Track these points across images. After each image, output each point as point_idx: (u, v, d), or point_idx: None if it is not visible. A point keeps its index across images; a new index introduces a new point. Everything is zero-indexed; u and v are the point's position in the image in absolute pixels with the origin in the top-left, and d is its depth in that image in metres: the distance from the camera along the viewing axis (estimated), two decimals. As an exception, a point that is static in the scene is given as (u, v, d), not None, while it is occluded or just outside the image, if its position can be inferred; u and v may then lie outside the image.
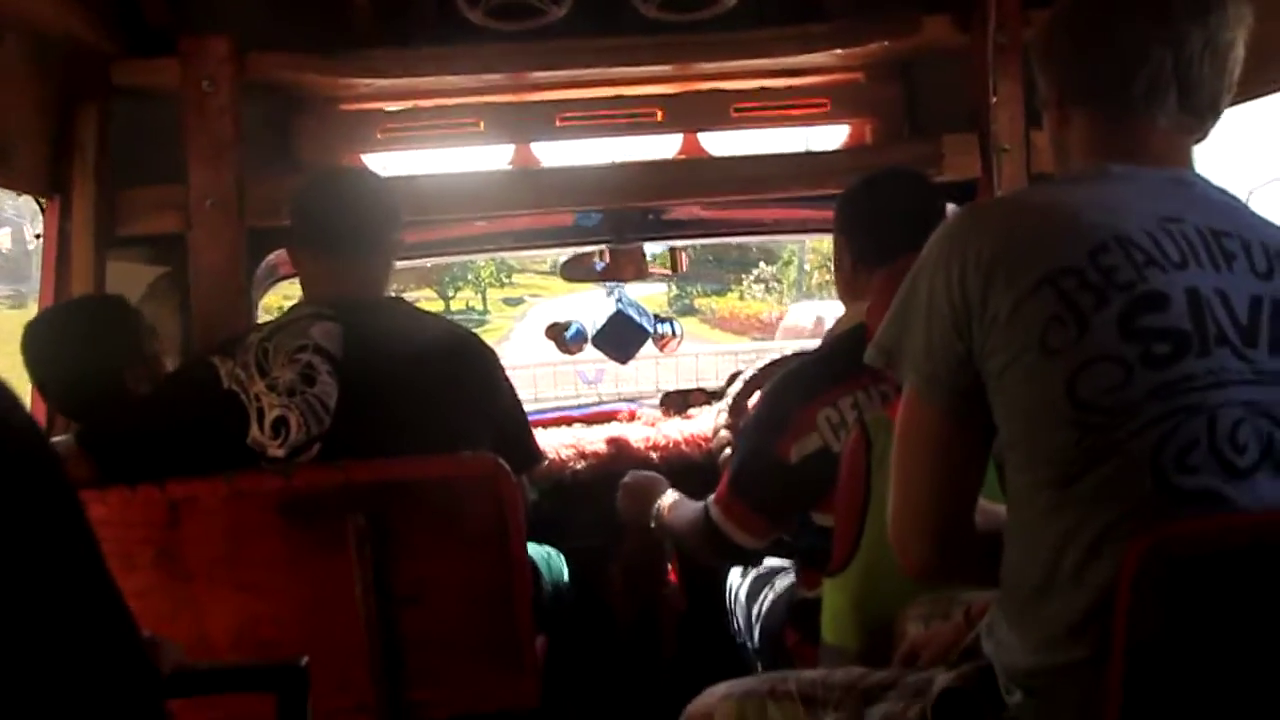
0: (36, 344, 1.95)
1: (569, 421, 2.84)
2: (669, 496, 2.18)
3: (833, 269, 2.08)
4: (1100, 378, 1.06)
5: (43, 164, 2.12)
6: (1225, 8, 1.18)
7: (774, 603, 2.12)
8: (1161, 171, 1.20)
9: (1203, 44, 1.18)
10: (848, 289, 1.99)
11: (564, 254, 2.89)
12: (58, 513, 0.59)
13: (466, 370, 1.81)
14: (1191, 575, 1.01)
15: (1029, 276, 1.10)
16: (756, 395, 2.46)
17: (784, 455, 1.85)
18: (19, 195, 2.18)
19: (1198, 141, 1.25)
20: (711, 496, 1.98)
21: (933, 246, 1.19)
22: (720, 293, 27.67)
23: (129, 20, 2.27)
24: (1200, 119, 1.22)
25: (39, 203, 2.21)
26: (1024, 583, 1.12)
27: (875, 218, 1.97)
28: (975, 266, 1.13)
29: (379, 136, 2.57)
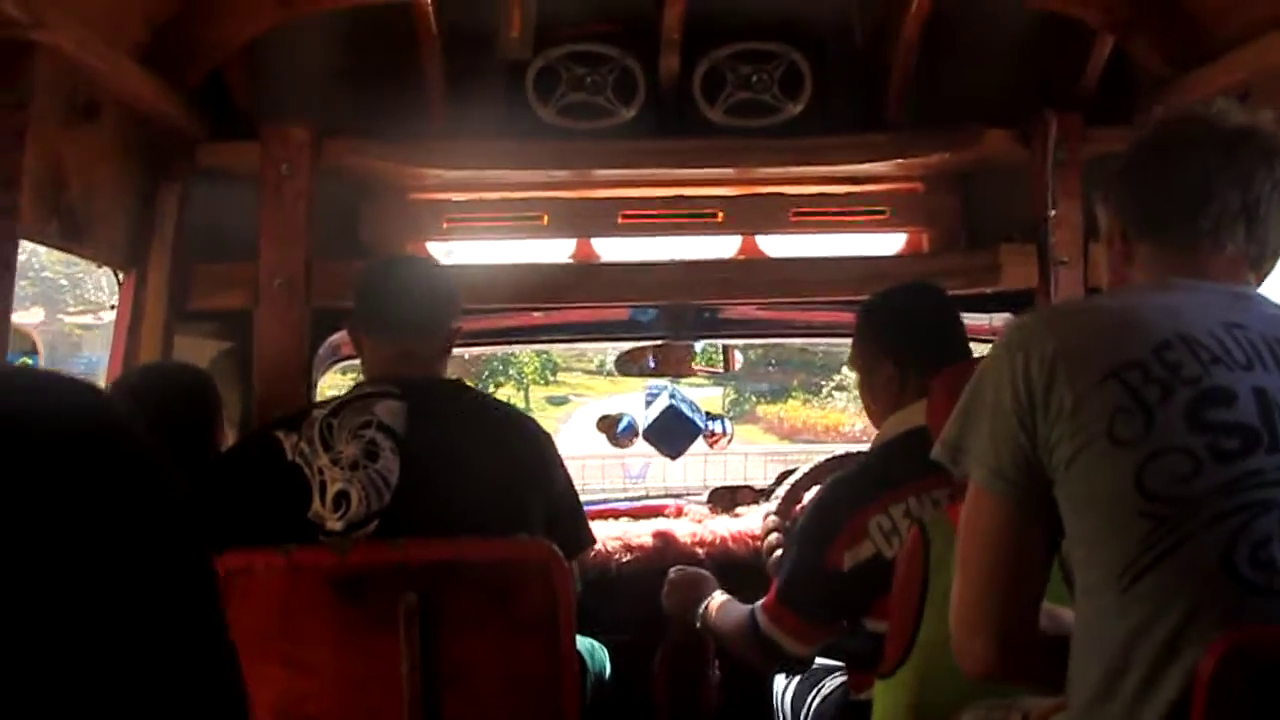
0: (134, 398, 2.00)
1: (615, 515, 2.83)
2: (716, 597, 2.16)
3: (861, 383, 2.07)
4: (1169, 469, 1.07)
5: (123, 238, 2.19)
6: None
7: (822, 705, 2.08)
8: (1223, 286, 1.22)
9: (1270, 186, 1.21)
10: (889, 400, 1.99)
11: (612, 352, 2.92)
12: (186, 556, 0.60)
13: (524, 452, 1.83)
14: (1272, 682, 0.99)
15: (1094, 371, 1.12)
16: (808, 494, 2.45)
17: (835, 564, 1.84)
18: (99, 267, 2.25)
19: (1260, 279, 1.27)
20: (760, 603, 1.96)
21: (998, 346, 1.21)
22: (779, 397, 27.02)
23: (216, 104, 2.37)
24: (1264, 251, 1.24)
25: (116, 276, 2.27)
26: (1092, 684, 1.10)
27: (920, 327, 2.00)
28: (1039, 363, 1.15)
29: (444, 225, 2.64)
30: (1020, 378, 1.15)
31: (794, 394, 25.36)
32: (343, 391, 1.89)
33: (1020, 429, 1.15)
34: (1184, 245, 1.23)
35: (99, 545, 0.54)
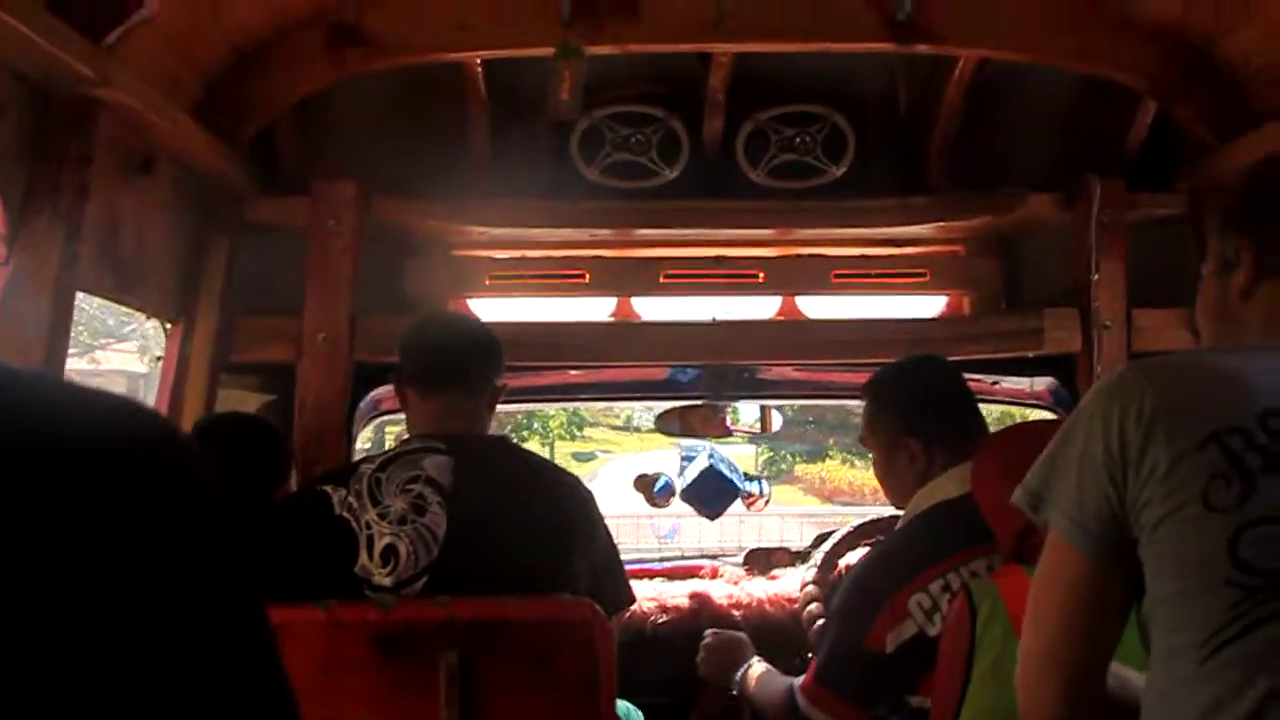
0: (202, 447, 2.02)
1: (650, 575, 2.81)
2: (755, 665, 2.13)
3: (878, 461, 2.05)
4: (1266, 540, 1.04)
5: (172, 289, 2.22)
6: None
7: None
8: None
9: None
10: (914, 477, 1.97)
11: (641, 409, 2.92)
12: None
13: (569, 508, 1.83)
14: None
15: (1194, 433, 1.09)
16: (846, 558, 2.43)
17: (877, 645, 1.82)
18: (148, 318, 2.28)
19: None
20: (799, 682, 1.93)
21: (1093, 396, 1.18)
22: (817, 457, 26.41)
23: (266, 160, 2.41)
24: None
25: (164, 326, 2.30)
26: None
27: (941, 401, 2.00)
28: (1137, 418, 1.12)
29: (487, 282, 2.66)
30: (1115, 432, 1.13)
31: (831, 453, 24.82)
32: (377, 447, 1.90)
33: (1110, 484, 1.13)
34: None
35: (148, 559, 0.55)
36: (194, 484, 0.60)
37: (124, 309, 2.13)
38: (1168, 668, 1.10)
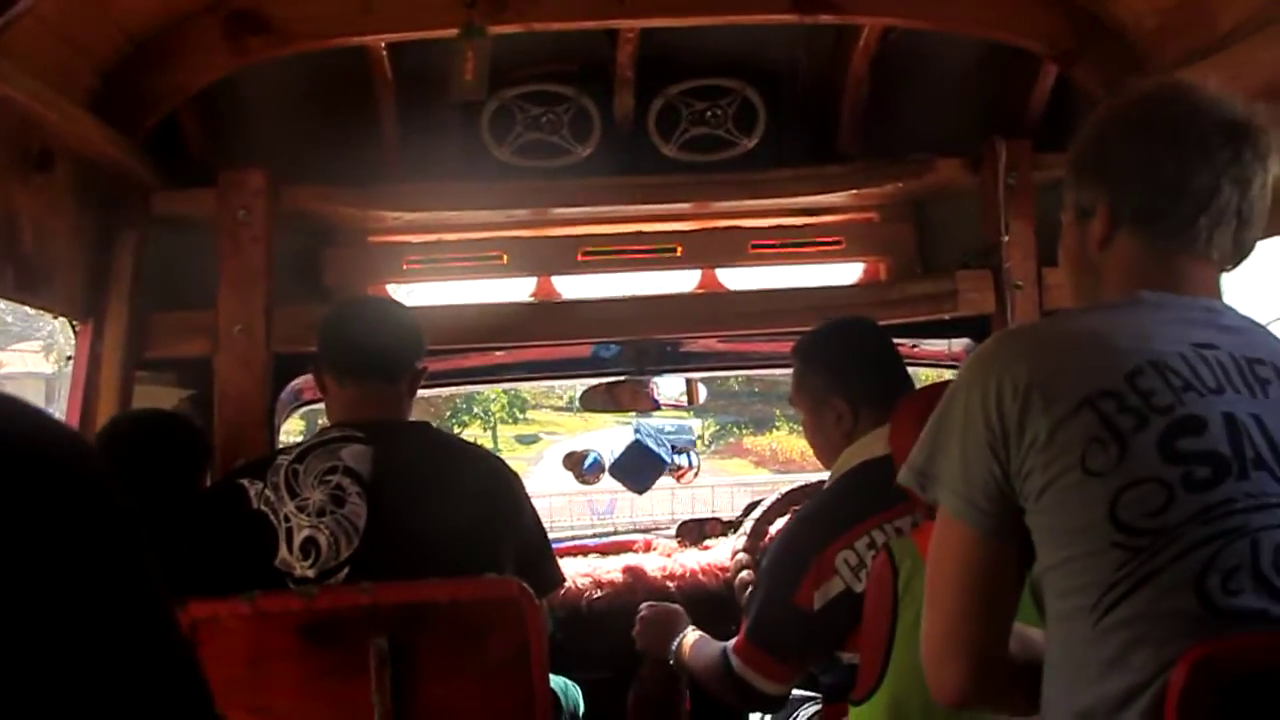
0: (116, 444, 1.99)
1: (584, 551, 2.82)
2: (689, 634, 2.16)
3: (807, 423, 2.08)
4: (1143, 500, 1.06)
5: (80, 288, 2.17)
6: (1276, 149, 1.21)
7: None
8: (1195, 300, 1.21)
9: (1261, 185, 1.20)
10: (841, 436, 2.00)
11: (579, 388, 2.93)
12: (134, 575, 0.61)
13: (493, 491, 1.83)
14: (1241, 694, 1.00)
15: (1067, 399, 1.11)
16: (775, 525, 2.46)
17: (804, 603, 1.85)
18: (55, 317, 2.23)
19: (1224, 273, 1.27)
20: (731, 643, 1.96)
21: (967, 371, 1.20)
22: (764, 428, 25.42)
23: (171, 151, 2.37)
24: (1242, 254, 1.24)
25: (72, 325, 2.25)
26: (1067, 711, 1.11)
27: (867, 361, 2.03)
28: (1012, 390, 1.13)
29: (405, 268, 2.64)
30: (993, 405, 1.14)
31: (779, 423, 24.55)
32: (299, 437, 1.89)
33: (993, 457, 1.14)
34: (1174, 242, 1.21)
35: (43, 559, 0.56)
36: (85, 481, 0.61)
37: (27, 309, 2.08)
38: (1063, 631, 1.12)
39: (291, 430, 2.41)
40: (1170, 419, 1.09)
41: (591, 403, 2.79)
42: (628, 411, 2.80)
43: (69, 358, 2.28)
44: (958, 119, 2.62)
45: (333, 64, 2.39)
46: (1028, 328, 1.31)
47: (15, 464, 0.58)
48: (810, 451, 2.11)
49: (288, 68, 2.39)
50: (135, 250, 2.28)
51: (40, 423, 0.62)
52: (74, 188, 2.09)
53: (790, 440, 22.79)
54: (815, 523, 1.91)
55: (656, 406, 2.81)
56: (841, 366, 2.01)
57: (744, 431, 25.82)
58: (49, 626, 0.55)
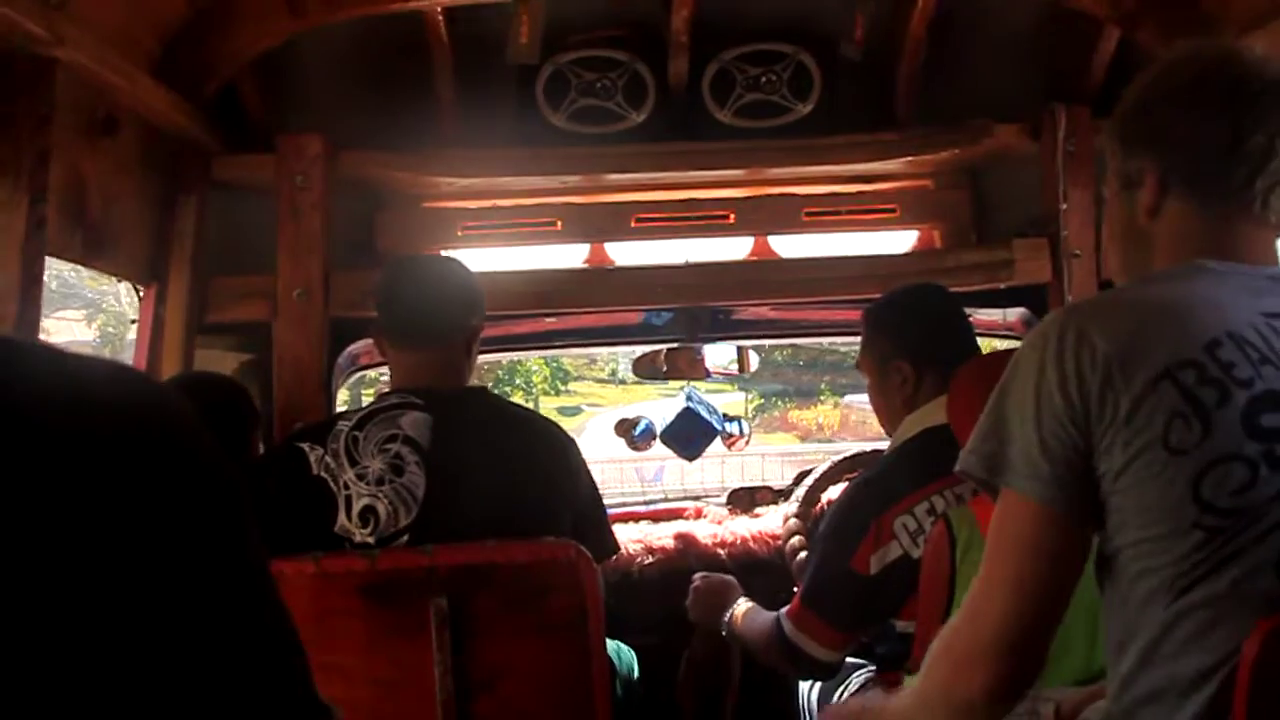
0: None
1: (635, 518, 2.84)
2: (741, 605, 2.16)
3: (872, 386, 2.07)
4: (1227, 479, 1.04)
5: (143, 252, 2.21)
6: None
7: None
8: (1256, 268, 1.18)
9: None
10: (904, 401, 1.99)
11: (625, 359, 2.93)
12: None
13: (549, 460, 1.83)
14: None
15: (1147, 371, 1.08)
16: (828, 493, 2.46)
17: (861, 568, 1.85)
18: (119, 281, 2.27)
19: None
20: (785, 610, 1.96)
21: (1034, 348, 1.15)
22: (809, 400, 24.44)
23: (231, 118, 2.39)
24: None
25: (136, 289, 2.29)
26: (1141, 687, 1.09)
27: (934, 325, 2.02)
28: (1090, 363, 1.10)
29: (459, 234, 2.65)
30: (1073, 379, 1.10)
31: (823, 396, 24.03)
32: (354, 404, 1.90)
33: (1076, 434, 1.10)
34: (1229, 207, 1.18)
35: (149, 519, 0.57)
36: (189, 442, 0.62)
37: (67, 276, 2.11)
38: (1135, 610, 1.10)
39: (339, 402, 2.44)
40: (1251, 393, 1.06)
41: (644, 369, 2.80)
42: (683, 378, 2.80)
43: (133, 321, 2.32)
44: (1016, 84, 2.58)
45: (389, 28, 2.40)
46: (1095, 299, 1.27)
47: (140, 440, 0.58)
48: (856, 426, 2.11)
49: (344, 33, 2.40)
50: (197, 215, 2.31)
51: (163, 396, 0.62)
52: (138, 153, 2.12)
53: (835, 414, 22.41)
54: (875, 487, 1.91)
55: (709, 374, 2.81)
56: (907, 329, 2.00)
57: (788, 404, 25.50)
58: (165, 601, 0.56)
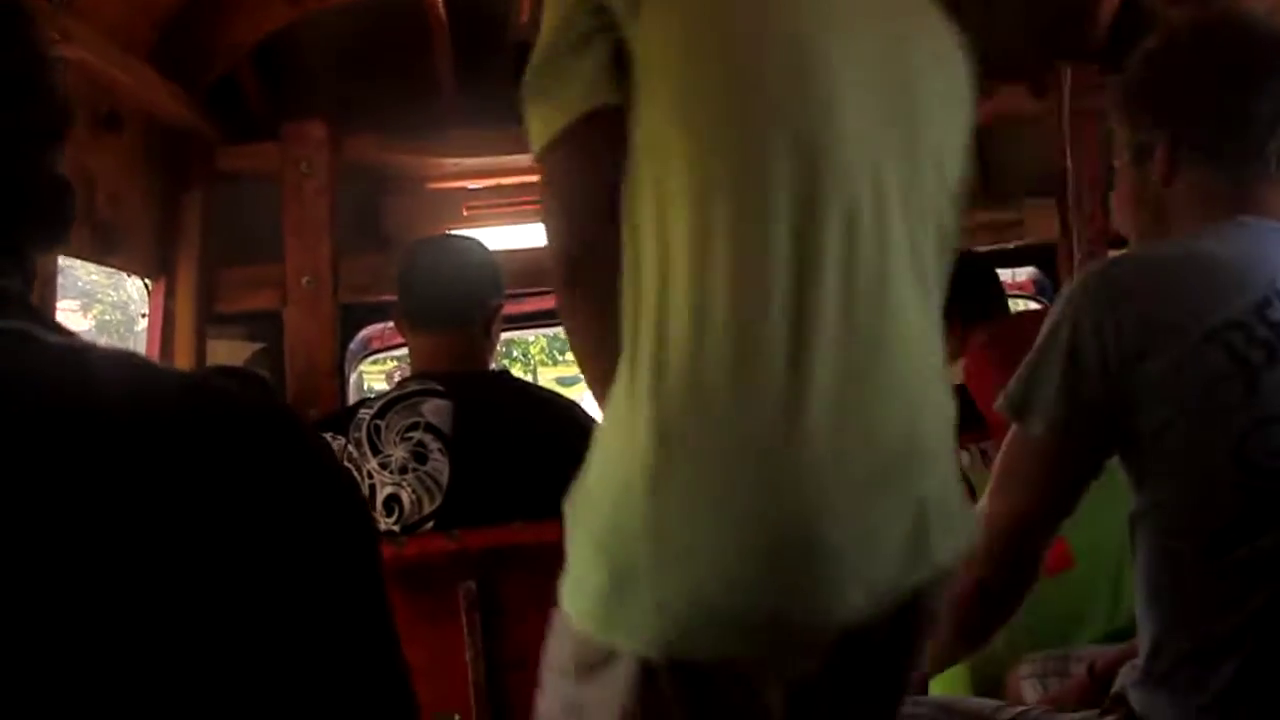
0: None
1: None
2: None
3: None
4: (1270, 440, 1.04)
5: (151, 247, 2.20)
6: None
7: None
8: None
9: None
10: None
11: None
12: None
13: (573, 440, 1.82)
14: None
15: (1194, 330, 1.07)
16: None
17: None
18: (129, 276, 2.26)
19: None
20: None
21: (1075, 300, 1.16)
22: None
23: (232, 108, 2.37)
24: None
25: (145, 284, 2.29)
26: (1179, 646, 1.10)
27: (958, 285, 2.00)
28: (1131, 323, 1.10)
29: (464, 214, 2.64)
30: (1110, 338, 1.10)
31: None
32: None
33: (1104, 390, 1.11)
34: (1245, 172, 1.18)
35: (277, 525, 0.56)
36: (309, 454, 0.61)
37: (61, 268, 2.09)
38: (1171, 570, 1.11)
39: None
40: None
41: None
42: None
43: (143, 315, 2.32)
44: (1020, 41, 2.56)
45: (387, 11, 2.38)
46: (1139, 254, 1.26)
47: (237, 432, 0.58)
48: None
49: (342, 18, 2.38)
50: (202, 207, 2.30)
51: (296, 426, 0.62)
52: (142, 147, 2.11)
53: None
54: None
55: None
56: None
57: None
58: (293, 620, 0.56)
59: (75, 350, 0.56)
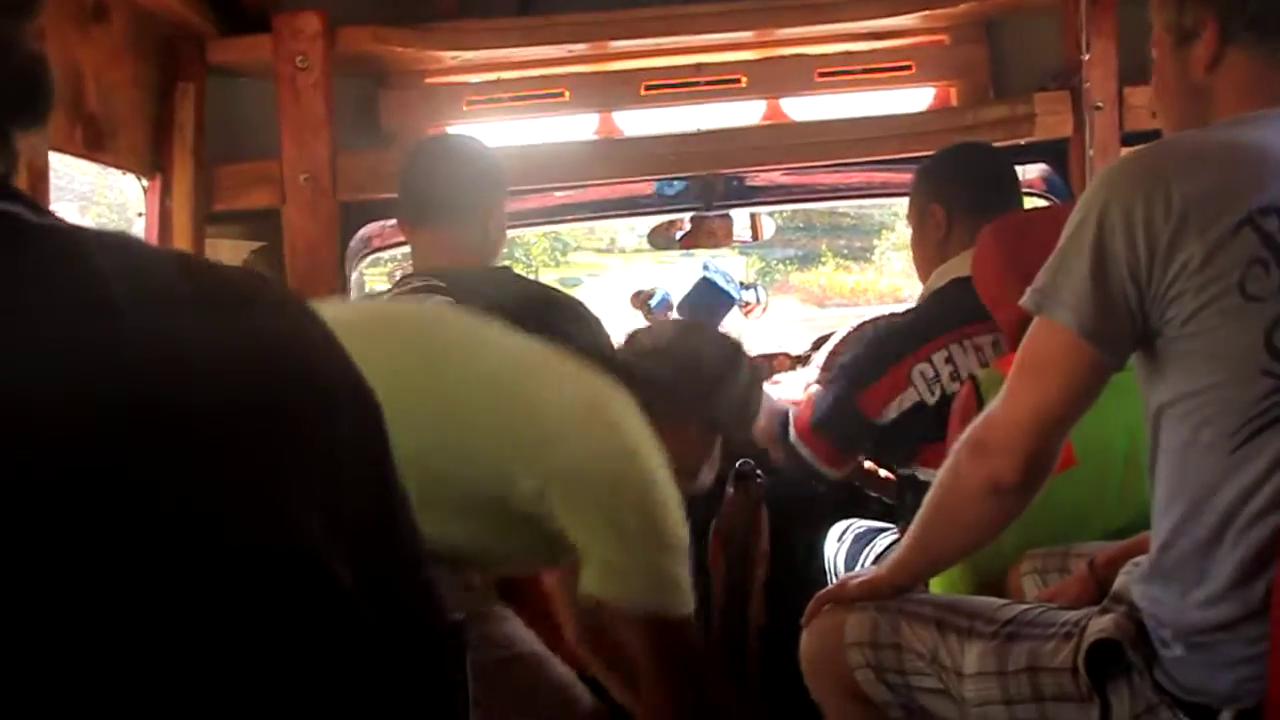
0: None
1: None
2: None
3: (913, 237, 2.12)
4: None
5: (144, 144, 2.16)
6: None
7: (876, 564, 2.11)
8: None
9: None
10: (936, 251, 2.02)
11: (624, 229, 2.89)
12: None
13: (577, 335, 1.82)
14: None
15: (1228, 217, 1.05)
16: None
17: (872, 412, 1.89)
18: (124, 173, 2.23)
19: None
20: (795, 412, 2.03)
21: (1105, 187, 1.14)
22: (810, 264, 25.62)
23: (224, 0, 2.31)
24: None
25: (141, 182, 2.25)
26: (1192, 536, 1.10)
27: (973, 174, 2.04)
28: (1164, 209, 1.07)
29: (465, 109, 2.59)
30: (1140, 225, 1.08)
31: (825, 258, 24.31)
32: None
33: (1130, 280, 1.10)
34: None
35: None
36: (315, 331, 0.62)
37: (57, 167, 2.05)
38: (1194, 459, 1.10)
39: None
40: None
41: (660, 240, 2.77)
42: (702, 247, 2.77)
43: (139, 214, 2.28)
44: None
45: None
46: (1173, 141, 1.23)
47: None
48: (860, 288, 2.14)
49: None
50: (196, 102, 2.25)
51: (298, 303, 0.61)
52: (131, 39, 2.05)
53: (836, 277, 22.41)
54: (893, 334, 1.95)
55: (731, 241, 2.79)
56: (946, 176, 2.04)
57: (790, 268, 25.46)
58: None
59: (64, 230, 0.54)
